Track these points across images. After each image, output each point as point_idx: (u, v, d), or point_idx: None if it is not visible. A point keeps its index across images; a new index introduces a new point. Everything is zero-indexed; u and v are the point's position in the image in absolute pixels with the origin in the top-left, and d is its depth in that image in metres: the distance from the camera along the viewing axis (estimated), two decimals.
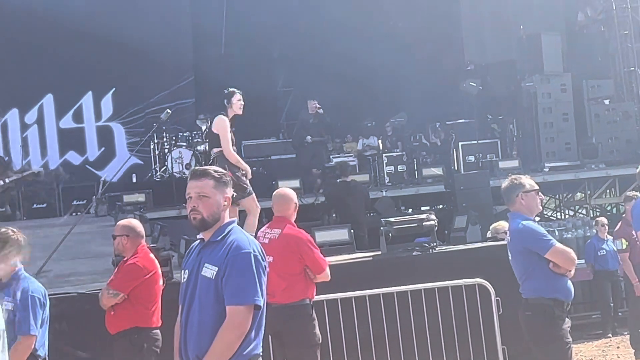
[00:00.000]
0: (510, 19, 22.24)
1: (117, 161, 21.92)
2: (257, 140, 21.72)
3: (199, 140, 20.15)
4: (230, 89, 12.49)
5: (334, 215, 17.56)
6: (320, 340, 9.16)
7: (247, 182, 12.23)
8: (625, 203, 13.52)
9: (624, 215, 13.90)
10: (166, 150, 20.26)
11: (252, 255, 5.34)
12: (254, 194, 12.31)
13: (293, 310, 8.82)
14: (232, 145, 12.32)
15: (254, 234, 11.52)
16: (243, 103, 12.47)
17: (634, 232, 12.93)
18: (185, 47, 22.74)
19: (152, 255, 9.01)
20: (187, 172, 19.52)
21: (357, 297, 10.78)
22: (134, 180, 21.31)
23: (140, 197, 18.29)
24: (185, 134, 20.45)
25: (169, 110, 14.65)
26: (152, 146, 20.77)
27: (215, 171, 5.52)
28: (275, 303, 8.66)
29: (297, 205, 9.30)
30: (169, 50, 22.01)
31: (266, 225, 9.35)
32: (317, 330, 9.07)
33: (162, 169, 20.28)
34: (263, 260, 5.40)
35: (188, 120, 21.52)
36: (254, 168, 20.24)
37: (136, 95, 22.13)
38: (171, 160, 19.85)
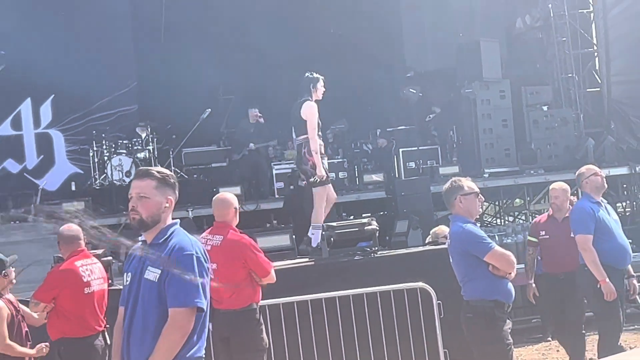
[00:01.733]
0: (450, 26, 22.38)
1: (56, 169, 21.70)
2: (198, 148, 21.61)
3: (139, 147, 20.00)
4: (315, 74, 12.51)
5: (274, 221, 17.54)
6: (267, 345, 9.16)
7: (326, 170, 12.32)
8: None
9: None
10: (106, 158, 20.08)
11: (194, 257, 5.32)
12: (330, 185, 12.48)
13: (241, 315, 8.80)
14: (318, 131, 12.35)
15: (320, 223, 11.78)
16: (325, 89, 12.51)
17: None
18: (127, 54, 22.57)
19: (80, 262, 8.80)
20: (127, 179, 19.39)
21: (299, 302, 10.77)
22: (73, 188, 21.09)
23: (79, 206, 18.12)
24: (125, 142, 20.26)
25: (209, 110, 14.50)
26: (91, 154, 20.56)
27: (158, 172, 5.49)
28: (222, 309, 8.64)
29: (237, 210, 9.26)
30: (111, 57, 21.83)
31: (207, 231, 9.30)
32: (265, 335, 9.07)
33: (102, 177, 20.09)
34: (206, 262, 5.39)
35: (128, 128, 21.33)
36: (195, 175, 20.32)
37: (76, 102, 21.83)
38: (111, 168, 19.65)
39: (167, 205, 5.47)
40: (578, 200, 10.59)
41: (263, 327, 9.07)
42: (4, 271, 8.52)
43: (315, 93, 12.37)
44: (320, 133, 12.43)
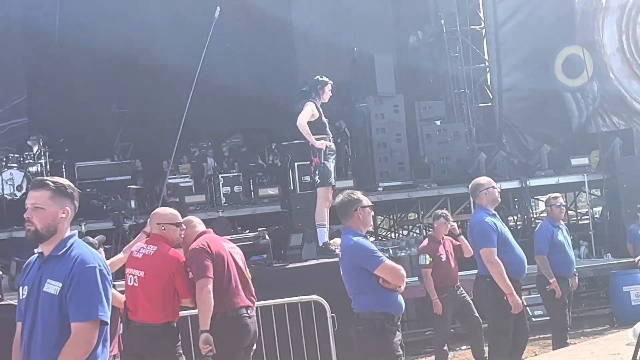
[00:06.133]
0: (343, 40, 22.53)
1: None
2: (91, 162, 21.39)
3: (30, 161, 19.69)
4: (324, 78, 12.99)
5: None
6: None
7: (332, 172, 12.63)
8: (434, 221, 13.76)
9: (430, 233, 14.14)
10: None
11: (97, 269, 5.24)
12: (332, 188, 12.62)
13: (157, 331, 8.49)
14: (326, 132, 12.85)
15: (323, 222, 12.12)
16: (332, 95, 12.95)
17: (440, 249, 13.16)
18: (16, 65, 22.23)
19: None
20: (18, 194, 19.09)
21: (192, 316, 10.70)
22: None
23: None
24: (16, 155, 19.92)
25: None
26: None
27: (53, 182, 5.38)
28: (138, 322, 8.45)
29: (169, 225, 8.93)
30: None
31: (143, 241, 9.06)
32: (181, 352, 8.83)
33: None
34: (108, 274, 5.33)
35: (19, 141, 21.01)
36: (87, 190, 20.08)
37: None
38: (1, 181, 19.30)
39: (64, 215, 5.35)
40: (474, 213, 10.60)
41: (179, 344, 8.86)
42: None
43: (322, 96, 12.83)
44: (329, 132, 13.00)
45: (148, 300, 8.55)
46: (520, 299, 9.85)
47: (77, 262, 5.24)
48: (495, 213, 10.12)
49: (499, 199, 10.29)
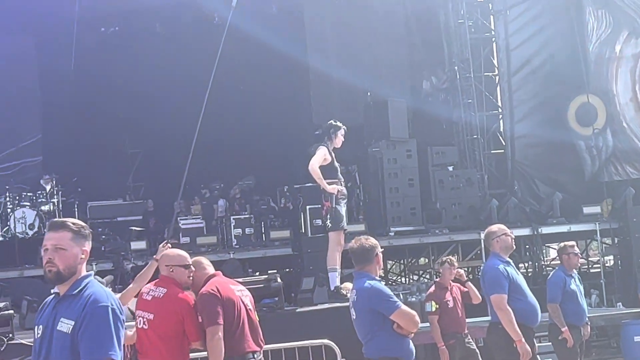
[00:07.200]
0: (357, 84, 22.57)
1: None
2: (104, 202, 21.47)
3: (43, 200, 19.77)
4: (338, 122, 13.22)
5: None
6: None
7: (344, 216, 12.77)
8: (440, 267, 13.70)
9: (437, 279, 14.05)
10: (9, 210, 19.79)
11: (109, 308, 5.23)
12: (344, 232, 12.86)
13: None
14: (337, 176, 13.14)
15: (335, 266, 12.22)
16: (344, 140, 13.09)
17: (447, 295, 13.09)
18: (33, 105, 22.36)
19: None
20: (30, 232, 19.16)
21: (202, 359, 10.67)
22: None
23: None
24: (29, 194, 20.01)
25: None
26: None
27: (73, 223, 5.39)
28: None
29: (183, 265, 8.89)
30: (17, 107, 21.60)
31: (152, 283, 9.03)
32: None
33: (4, 229, 19.78)
34: (121, 314, 5.31)
35: (33, 179, 21.10)
36: (99, 229, 20.12)
37: None
38: (14, 220, 19.38)
39: (83, 256, 5.38)
40: (488, 260, 10.59)
41: None
42: None
43: (334, 140, 13.05)
44: (341, 177, 13.21)
45: (158, 342, 8.48)
46: (534, 347, 9.81)
47: (90, 301, 5.24)
48: (509, 260, 10.11)
49: (513, 246, 10.28)
